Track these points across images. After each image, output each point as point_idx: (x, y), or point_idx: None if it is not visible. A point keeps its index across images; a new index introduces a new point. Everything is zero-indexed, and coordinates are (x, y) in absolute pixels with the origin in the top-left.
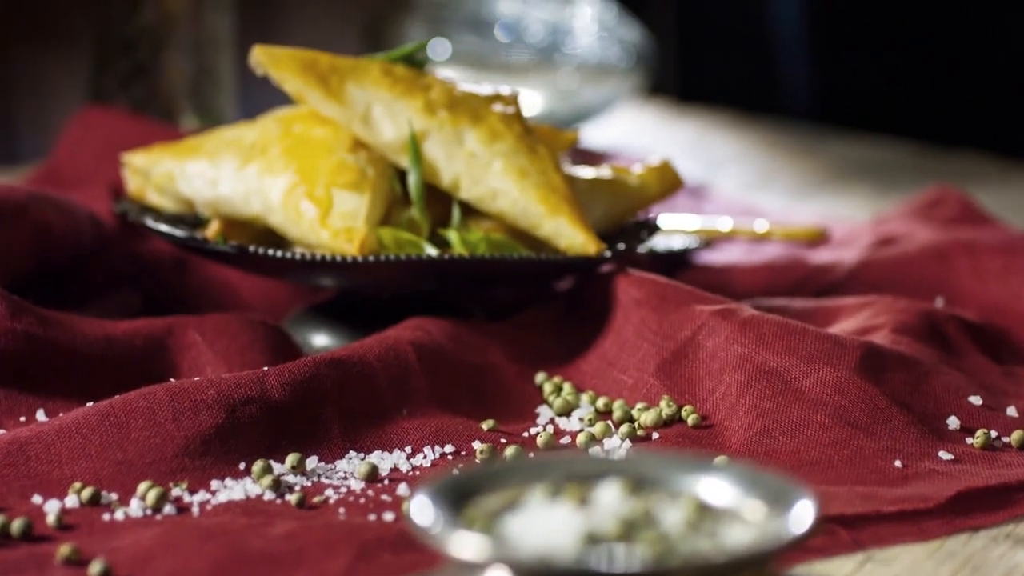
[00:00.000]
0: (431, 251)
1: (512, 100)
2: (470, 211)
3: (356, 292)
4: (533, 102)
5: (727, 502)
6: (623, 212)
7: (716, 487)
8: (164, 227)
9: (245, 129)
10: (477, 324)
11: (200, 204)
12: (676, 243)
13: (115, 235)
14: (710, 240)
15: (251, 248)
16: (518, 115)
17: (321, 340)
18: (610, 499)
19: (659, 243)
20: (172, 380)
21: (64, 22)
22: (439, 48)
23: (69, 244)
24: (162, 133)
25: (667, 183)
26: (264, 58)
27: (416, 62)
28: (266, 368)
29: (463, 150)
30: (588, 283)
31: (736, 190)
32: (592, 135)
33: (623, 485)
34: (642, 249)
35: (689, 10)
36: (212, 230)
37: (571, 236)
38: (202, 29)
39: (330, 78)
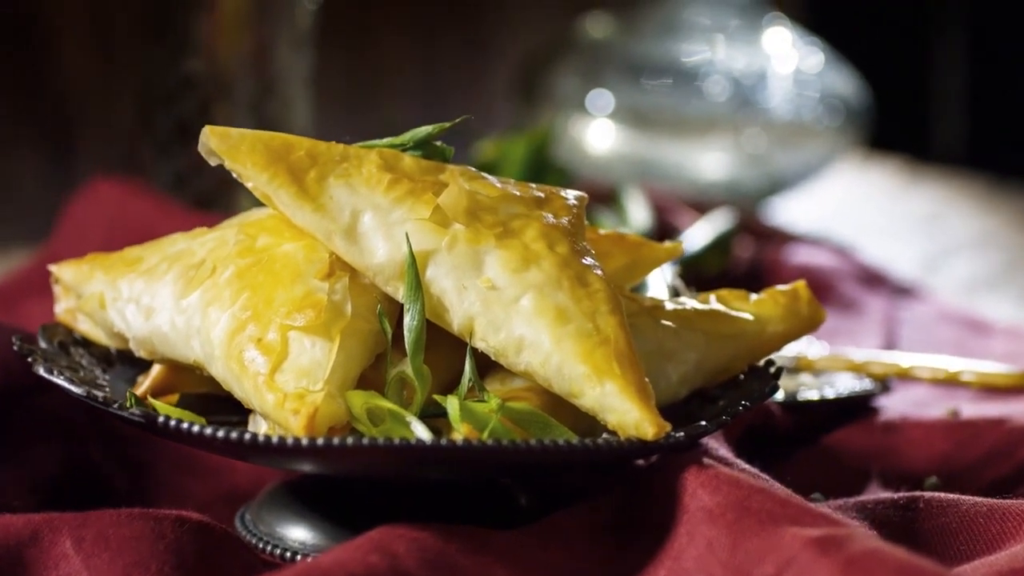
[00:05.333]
0: (420, 430)
1: (571, 208)
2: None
3: None
4: (714, 168)
5: None
6: (729, 361)
7: None
8: (60, 379)
9: (199, 238)
10: (482, 534)
11: (133, 341)
12: (839, 385)
13: None
14: (886, 380)
15: (161, 418)
16: (572, 227)
17: (299, 533)
18: None
19: (813, 384)
20: None
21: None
22: (599, 101)
23: None
24: (185, 217)
25: (798, 318)
26: (217, 143)
27: (437, 150)
28: None
29: (481, 279)
30: (646, 478)
31: (961, 289)
32: (790, 210)
33: None
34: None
35: (982, 64)
36: (151, 379)
37: (622, 410)
38: (270, 75)
39: (306, 173)
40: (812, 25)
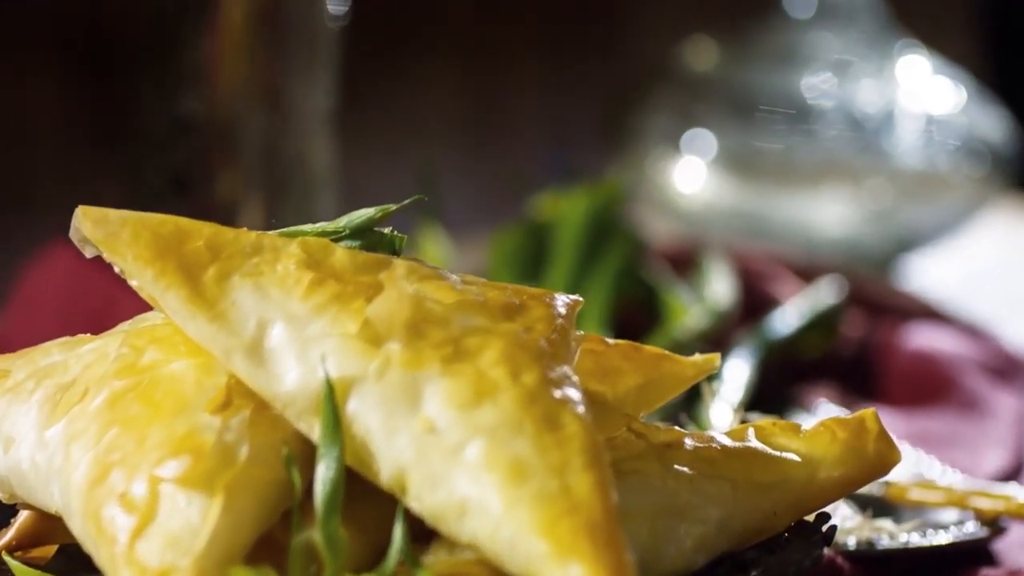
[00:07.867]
0: None
1: (554, 319)
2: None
3: None
4: (831, 224)
5: None
6: (765, 518)
7: None
8: None
9: (78, 349)
10: None
11: None
12: (931, 528)
13: None
14: (996, 520)
15: None
16: (552, 346)
17: None
18: None
19: (896, 528)
20: None
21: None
22: (697, 142)
23: None
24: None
25: (861, 459)
26: (91, 228)
27: (383, 240)
28: None
29: (417, 418)
30: None
31: None
32: (920, 275)
33: None
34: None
35: None
36: (17, 526)
37: None
38: (283, 114)
39: (203, 270)
40: (970, 55)
